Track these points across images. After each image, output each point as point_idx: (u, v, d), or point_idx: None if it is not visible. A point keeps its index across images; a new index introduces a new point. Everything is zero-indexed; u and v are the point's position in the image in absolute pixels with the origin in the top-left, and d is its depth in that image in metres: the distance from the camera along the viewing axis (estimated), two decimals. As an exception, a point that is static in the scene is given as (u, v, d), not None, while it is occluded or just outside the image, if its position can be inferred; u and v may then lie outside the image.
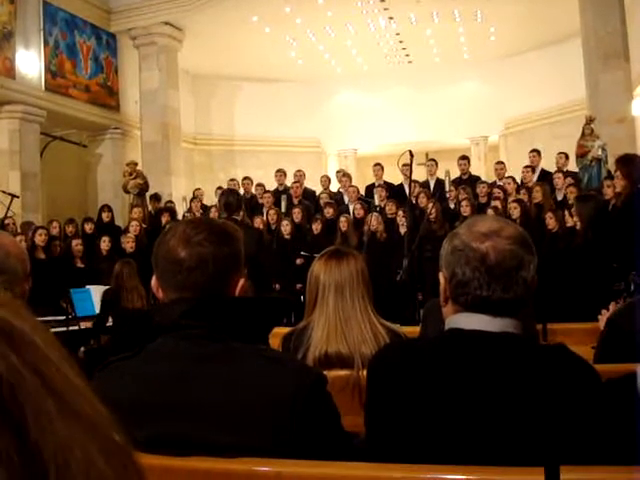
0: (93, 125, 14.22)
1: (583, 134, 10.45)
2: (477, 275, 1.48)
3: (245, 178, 12.43)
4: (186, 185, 14.66)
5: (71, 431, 0.53)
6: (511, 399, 1.40)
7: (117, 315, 6.98)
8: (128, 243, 9.33)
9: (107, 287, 7.27)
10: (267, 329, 1.64)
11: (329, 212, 10.15)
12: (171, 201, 12.45)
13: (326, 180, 12.14)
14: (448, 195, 10.38)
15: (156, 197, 12.51)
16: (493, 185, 10.35)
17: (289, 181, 12.01)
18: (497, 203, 9.05)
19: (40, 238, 9.14)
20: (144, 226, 10.54)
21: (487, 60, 17.50)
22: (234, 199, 7.01)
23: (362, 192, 11.33)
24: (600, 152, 10.05)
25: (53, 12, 12.95)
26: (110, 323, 7.21)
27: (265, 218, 10.36)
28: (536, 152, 10.81)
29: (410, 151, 7.27)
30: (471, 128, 18.06)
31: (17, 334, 0.55)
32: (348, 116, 18.76)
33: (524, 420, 1.38)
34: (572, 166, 10.49)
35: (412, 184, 8.77)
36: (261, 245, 8.19)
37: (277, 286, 9.49)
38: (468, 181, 10.69)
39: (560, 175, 9.78)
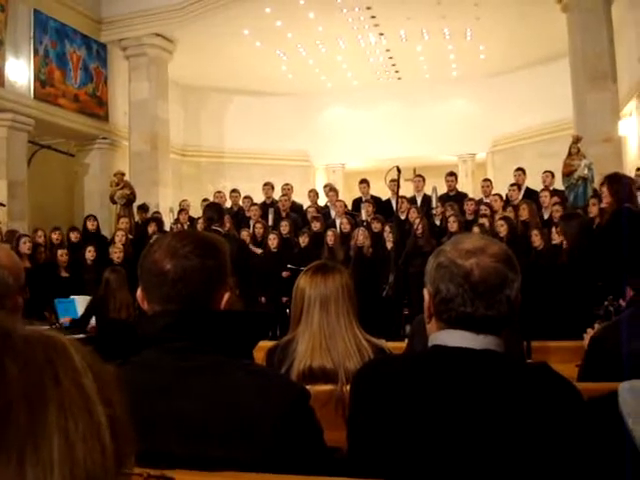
0: (81, 135, 14.18)
1: (570, 153, 10.52)
2: (461, 292, 1.48)
3: (233, 191, 12.46)
4: (173, 196, 14.64)
5: None
6: (492, 417, 1.40)
7: (102, 324, 6.95)
8: (116, 253, 9.30)
9: (93, 295, 7.25)
10: (251, 343, 1.64)
11: (316, 226, 10.17)
12: (158, 212, 12.43)
13: (314, 194, 12.15)
14: (434, 211, 10.42)
15: (143, 207, 12.48)
16: (480, 202, 10.39)
17: (277, 194, 12.03)
18: (484, 220, 9.09)
19: (25, 246, 9.07)
20: (130, 236, 10.51)
21: (476, 78, 17.61)
22: (215, 213, 7.07)
23: (349, 206, 11.36)
24: (586, 171, 10.11)
25: (44, 21, 12.93)
26: (92, 331, 7.18)
27: (252, 231, 10.36)
28: (521, 170, 10.88)
29: (398, 167, 7.29)
30: (459, 145, 18.15)
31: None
32: (337, 131, 18.82)
33: (505, 438, 1.38)
34: (558, 184, 10.55)
35: (399, 199, 8.80)
36: (243, 255, 8.22)
37: (263, 299, 9.49)
38: (455, 198, 10.73)
39: (547, 193, 9.84)
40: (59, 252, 9.40)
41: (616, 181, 6.34)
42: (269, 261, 9.70)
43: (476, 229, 8.49)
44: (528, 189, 10.70)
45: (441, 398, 1.44)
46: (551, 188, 10.31)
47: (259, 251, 9.83)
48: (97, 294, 7.14)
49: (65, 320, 7.29)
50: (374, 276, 8.84)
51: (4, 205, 10.65)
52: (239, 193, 12.33)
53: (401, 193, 8.62)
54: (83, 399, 0.61)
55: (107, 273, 7.10)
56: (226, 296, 1.61)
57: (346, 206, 11.14)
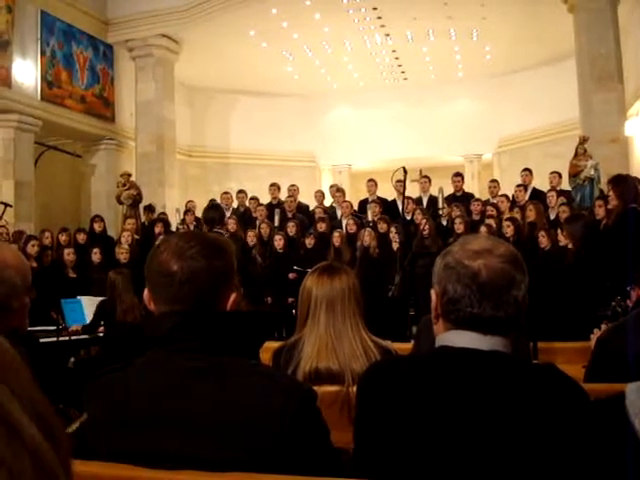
0: (88, 135, 14.22)
1: (576, 154, 10.50)
2: (468, 292, 1.48)
3: (240, 191, 12.48)
4: (180, 197, 14.66)
5: None
6: (499, 418, 1.40)
7: (110, 326, 6.95)
8: (122, 254, 9.31)
9: (102, 298, 7.26)
10: (258, 344, 1.64)
11: (322, 227, 10.17)
12: (164, 212, 12.44)
13: (320, 195, 12.16)
14: (441, 212, 10.41)
15: (150, 208, 12.50)
16: (487, 203, 10.38)
17: (283, 195, 12.04)
18: (491, 221, 9.07)
19: (33, 249, 9.10)
20: (136, 237, 10.52)
21: (482, 78, 17.58)
22: (216, 214, 7.08)
23: (355, 207, 11.35)
24: (593, 172, 10.10)
25: (50, 22, 12.97)
26: (101, 334, 7.20)
27: (258, 231, 10.37)
28: (528, 171, 10.86)
29: (404, 167, 7.29)
30: (465, 146, 18.13)
31: None
32: (343, 131, 18.81)
33: (512, 439, 1.38)
34: (565, 185, 10.53)
35: (405, 200, 8.80)
36: (244, 254, 8.25)
37: (269, 299, 9.50)
38: (462, 198, 10.72)
39: (553, 194, 9.82)
40: (66, 251, 9.40)
41: (621, 182, 6.34)
42: (275, 262, 9.71)
43: (483, 229, 8.48)
44: (535, 190, 10.68)
45: (448, 399, 1.44)
46: (558, 188, 10.28)
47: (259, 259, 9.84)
48: (105, 299, 7.15)
49: (76, 328, 7.29)
50: (380, 277, 8.83)
51: (11, 205, 10.67)
52: (246, 194, 12.35)
53: (407, 194, 8.62)
54: None
55: (112, 275, 7.10)
56: (233, 296, 1.61)
57: (352, 206, 11.14)
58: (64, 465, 0.63)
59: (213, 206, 7.92)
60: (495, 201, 10.31)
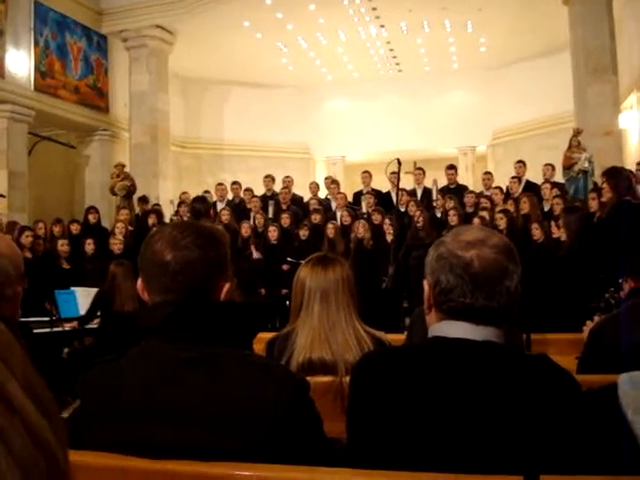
0: (82, 126, 14.18)
1: (570, 146, 10.51)
2: (461, 283, 1.48)
3: (234, 183, 12.45)
4: (174, 188, 14.64)
5: None
6: (492, 408, 1.40)
7: (107, 317, 6.94)
8: (116, 245, 9.30)
9: (98, 289, 7.24)
10: (251, 334, 1.64)
11: (316, 218, 10.17)
12: (158, 204, 12.42)
13: (314, 187, 12.15)
14: (435, 204, 10.41)
15: (144, 199, 12.48)
16: (480, 195, 10.38)
17: (277, 187, 12.03)
18: (484, 213, 9.07)
19: (27, 240, 9.07)
20: (130, 228, 10.51)
21: (477, 70, 17.59)
22: (201, 206, 7.09)
23: (350, 199, 11.35)
24: (587, 164, 10.11)
25: (44, 12, 12.91)
26: (95, 325, 7.19)
27: (252, 223, 10.37)
28: (521, 163, 10.86)
29: (398, 159, 7.28)
30: (459, 138, 18.13)
31: None
32: (337, 123, 18.80)
33: (504, 429, 1.39)
34: (559, 177, 10.54)
35: (399, 192, 8.79)
36: (236, 247, 8.24)
37: (263, 291, 9.49)
38: (455, 190, 10.72)
39: (548, 186, 9.83)
40: (59, 242, 9.39)
41: (615, 175, 6.35)
42: (269, 253, 9.71)
43: (476, 221, 8.48)
44: (528, 182, 10.69)
45: (441, 389, 1.44)
46: (552, 181, 10.29)
47: (256, 254, 9.84)
48: (103, 288, 7.13)
49: (70, 326, 7.28)
50: (374, 268, 8.84)
51: (4, 196, 10.64)
52: (240, 185, 12.33)
53: (401, 186, 8.61)
54: None
55: (113, 267, 7.08)
56: (226, 287, 1.61)
57: (347, 198, 11.14)
58: (62, 446, 0.64)
59: (199, 198, 7.93)
60: (489, 193, 10.31)
